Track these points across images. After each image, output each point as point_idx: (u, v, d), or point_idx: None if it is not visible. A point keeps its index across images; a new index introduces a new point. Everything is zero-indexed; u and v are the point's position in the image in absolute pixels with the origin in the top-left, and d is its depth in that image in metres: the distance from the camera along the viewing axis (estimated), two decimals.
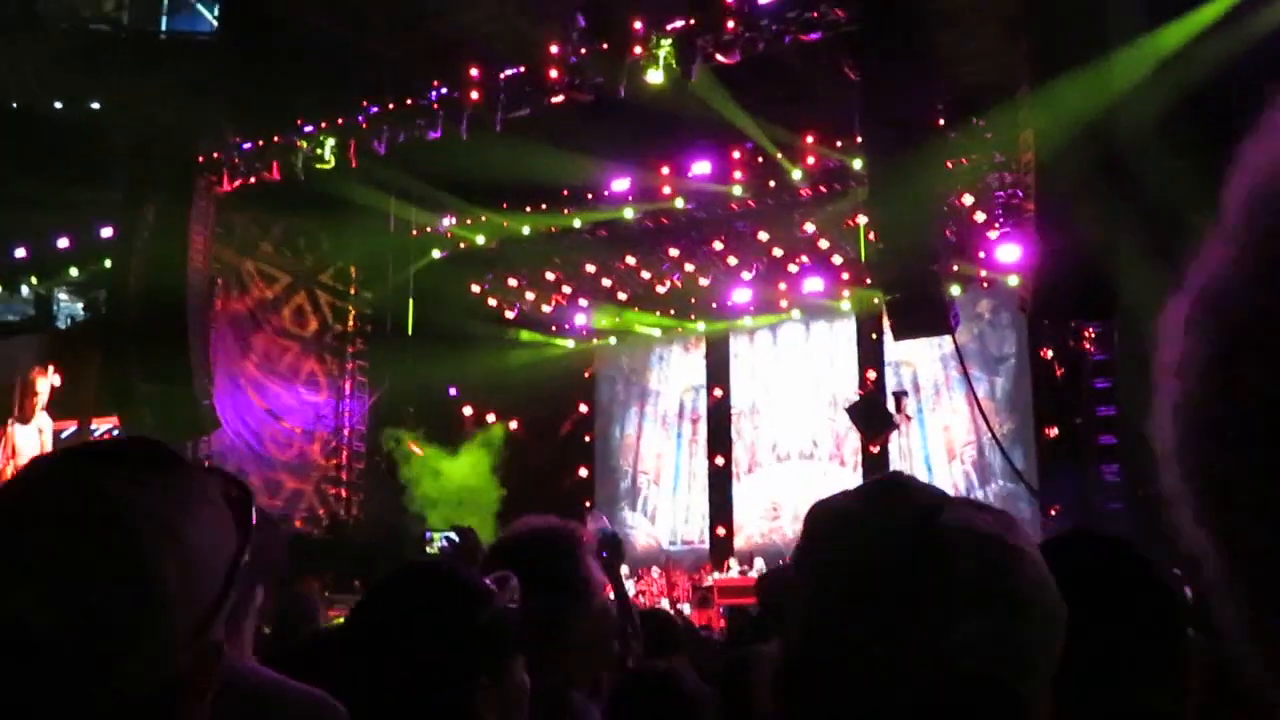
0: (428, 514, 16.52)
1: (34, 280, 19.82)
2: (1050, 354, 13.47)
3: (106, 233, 16.78)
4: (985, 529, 1.10)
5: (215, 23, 16.49)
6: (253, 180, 15.44)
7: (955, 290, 12.55)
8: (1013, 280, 14.88)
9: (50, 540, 1.03)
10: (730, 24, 12.70)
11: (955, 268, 13.04)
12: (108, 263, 16.74)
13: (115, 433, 16.56)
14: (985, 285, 15.51)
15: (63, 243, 18.36)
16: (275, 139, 15.10)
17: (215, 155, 15.35)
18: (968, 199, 13.75)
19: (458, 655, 1.78)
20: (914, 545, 1.08)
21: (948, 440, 16.69)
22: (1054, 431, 14.05)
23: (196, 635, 1.07)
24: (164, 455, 1.16)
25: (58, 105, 18.77)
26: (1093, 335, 12.51)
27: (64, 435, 18.57)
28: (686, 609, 15.04)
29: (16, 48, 17.52)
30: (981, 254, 14.36)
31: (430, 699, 1.77)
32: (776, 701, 1.14)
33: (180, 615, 1.05)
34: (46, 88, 18.55)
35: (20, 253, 18.94)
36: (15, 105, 18.50)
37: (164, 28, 19.23)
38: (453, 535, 3.94)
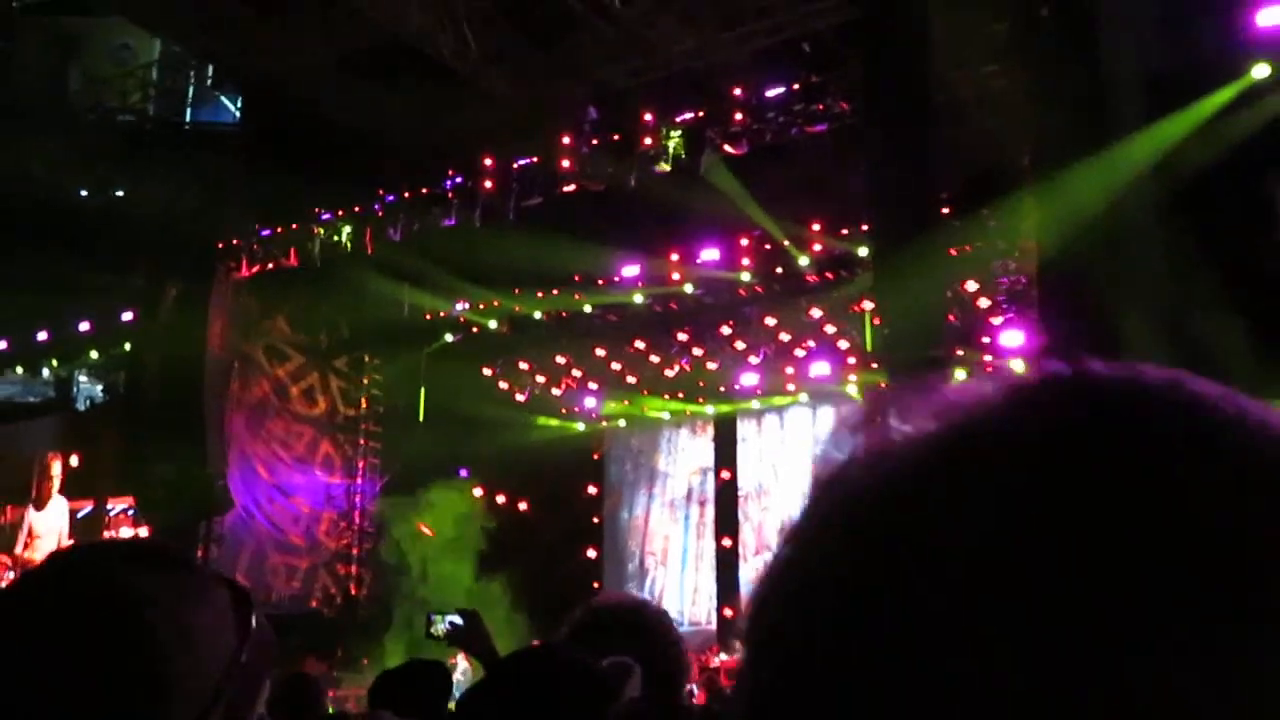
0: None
1: (54, 363, 19.89)
2: None
3: (127, 316, 16.88)
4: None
5: (238, 114, 16.78)
6: (271, 266, 15.54)
7: (960, 374, 12.52)
8: (1017, 365, 14.88)
9: (70, 628, 1.04)
10: (738, 116, 12.86)
11: (960, 352, 13.00)
12: (127, 346, 16.83)
13: (130, 512, 16.50)
14: (989, 370, 15.48)
15: (83, 326, 18.44)
16: (294, 226, 15.23)
17: (235, 241, 15.49)
18: (972, 285, 13.77)
19: None
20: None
21: None
22: None
23: (203, 707, 1.08)
24: (176, 557, 1.20)
25: (83, 193, 18.98)
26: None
27: (80, 515, 18.47)
28: (694, 689, 14.82)
29: (46, 137, 17.76)
30: (986, 339, 14.33)
31: None
32: None
33: (184, 705, 1.06)
34: (73, 175, 18.76)
35: (42, 336, 19.01)
36: (40, 195, 18.72)
37: (189, 119, 19.57)
38: (455, 619, 3.89)
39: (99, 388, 19.97)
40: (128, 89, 19.65)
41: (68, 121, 19.08)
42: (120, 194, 18.43)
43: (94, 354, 18.91)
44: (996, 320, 14.08)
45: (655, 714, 2.02)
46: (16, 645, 1.05)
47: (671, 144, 13.12)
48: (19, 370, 20.11)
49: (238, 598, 1.20)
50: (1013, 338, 13.68)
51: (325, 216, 14.99)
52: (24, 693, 1.02)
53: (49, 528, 15.55)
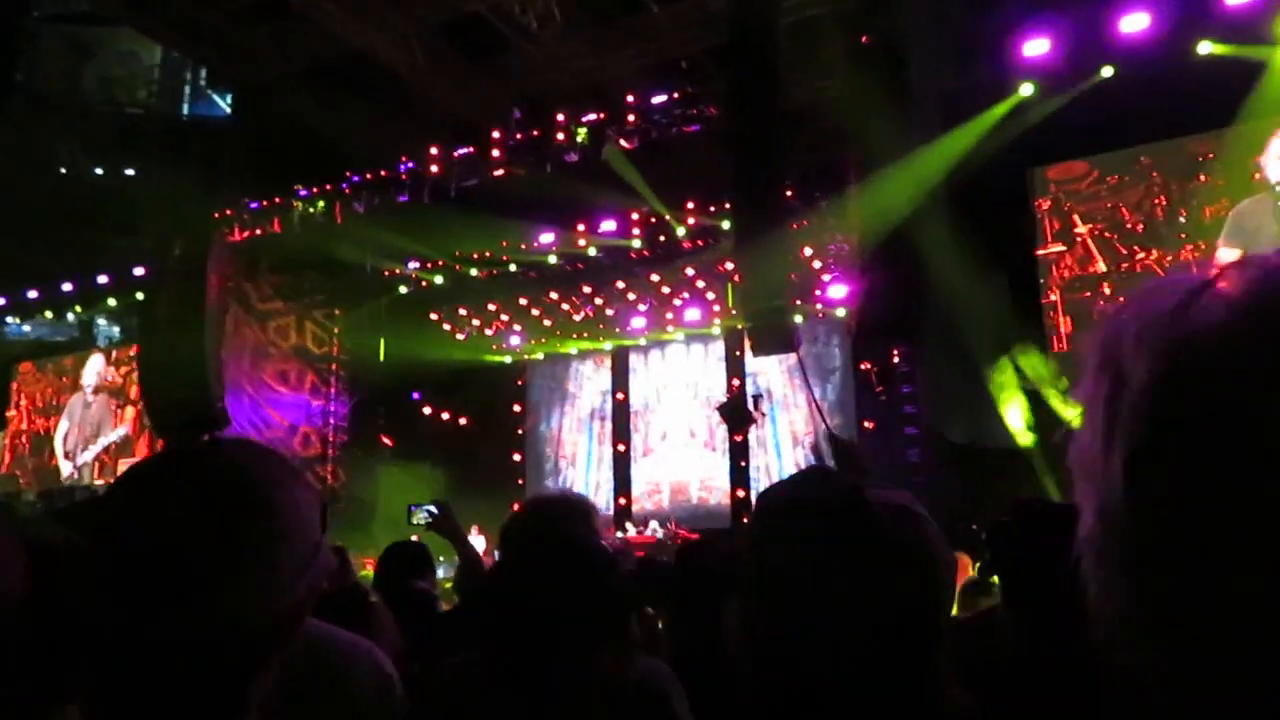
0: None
1: (78, 309, 19.26)
2: (868, 366, 13.90)
3: (138, 271, 16.42)
4: (899, 501, 1.09)
5: (228, 109, 16.30)
6: (259, 232, 15.24)
7: (799, 319, 12.90)
8: (840, 312, 15.34)
9: (193, 486, 0.96)
10: (631, 117, 12.96)
11: (798, 302, 13.38)
12: (139, 295, 16.38)
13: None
14: (820, 316, 15.91)
15: (102, 279, 17.90)
16: (276, 200, 14.95)
17: (228, 212, 15.14)
18: (808, 251, 14.13)
19: (591, 615, 1.65)
20: (851, 517, 1.05)
21: (792, 432, 17.05)
22: (871, 425, 14.48)
23: (299, 580, 0.99)
24: (270, 449, 1.11)
25: (98, 171, 18.30)
26: (900, 352, 12.95)
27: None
28: None
29: (65, 127, 17.06)
30: (818, 292, 14.72)
31: (562, 650, 1.63)
32: (743, 651, 1.08)
33: (290, 558, 0.98)
34: (89, 157, 18.07)
35: (67, 286, 18.40)
36: (63, 170, 18.00)
37: (186, 112, 18.89)
38: (432, 509, 3.87)
39: (116, 329, 19.41)
40: (134, 87, 18.95)
41: (83, 114, 18.31)
42: (130, 173, 17.83)
43: (111, 301, 18.37)
44: (826, 277, 14.50)
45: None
46: (163, 510, 0.94)
47: (579, 139, 13.17)
48: (48, 314, 19.43)
49: (318, 494, 1.10)
50: (838, 290, 14.10)
51: (303, 193, 14.74)
52: (174, 552, 0.92)
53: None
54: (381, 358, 17.27)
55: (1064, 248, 12.07)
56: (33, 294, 18.85)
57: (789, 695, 1.05)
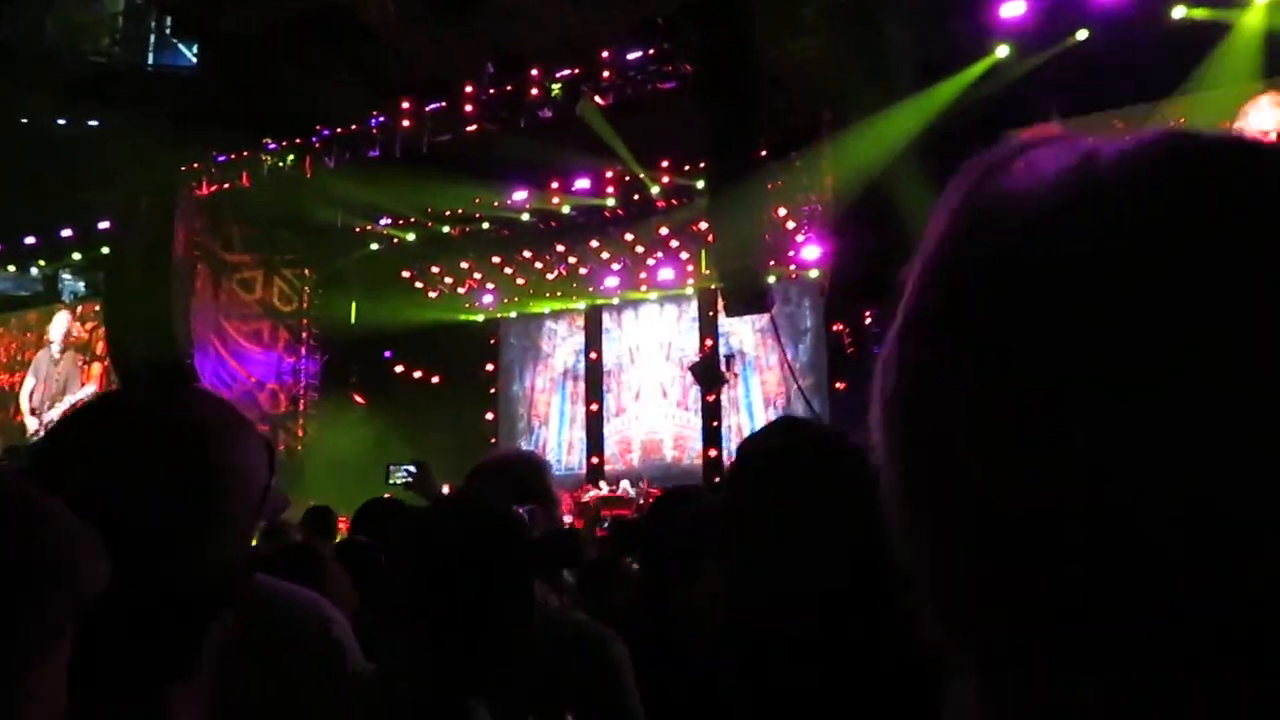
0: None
1: (42, 263, 18.93)
2: (840, 328, 13.97)
3: (104, 225, 16.13)
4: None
5: (194, 59, 15.93)
6: (227, 186, 14.99)
7: (772, 280, 12.91)
8: (813, 273, 15.38)
9: (127, 438, 0.94)
10: (605, 73, 12.80)
11: (772, 263, 13.38)
12: (105, 250, 16.11)
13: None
14: (793, 277, 15.95)
15: (66, 232, 17.57)
16: (245, 154, 14.69)
17: (195, 165, 14.88)
18: (782, 211, 14.12)
19: (495, 578, 1.65)
20: (832, 459, 1.04)
21: (764, 391, 17.14)
22: (843, 385, 14.58)
23: (241, 535, 1.00)
24: (216, 396, 1.10)
25: (61, 122, 17.86)
26: (872, 314, 13.02)
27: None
28: (568, 519, 15.20)
29: (27, 76, 16.62)
30: (791, 253, 14.75)
31: (468, 612, 1.63)
32: (722, 601, 1.10)
33: (231, 512, 0.97)
34: (53, 107, 17.63)
35: (30, 240, 18.05)
36: (25, 121, 17.56)
37: (150, 62, 18.43)
38: (410, 468, 3.89)
39: (81, 284, 19.10)
40: (98, 34, 18.47)
41: (46, 63, 17.83)
42: (94, 124, 17.43)
43: (76, 256, 18.05)
44: (800, 238, 14.51)
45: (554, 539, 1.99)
46: (78, 469, 0.92)
47: (553, 95, 13.01)
48: (11, 269, 19.08)
49: (266, 441, 1.09)
50: (811, 251, 14.13)
51: (271, 146, 14.48)
52: (116, 500, 0.89)
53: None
54: (353, 320, 17.14)
55: None
56: None
57: (768, 641, 1.04)
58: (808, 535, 1.03)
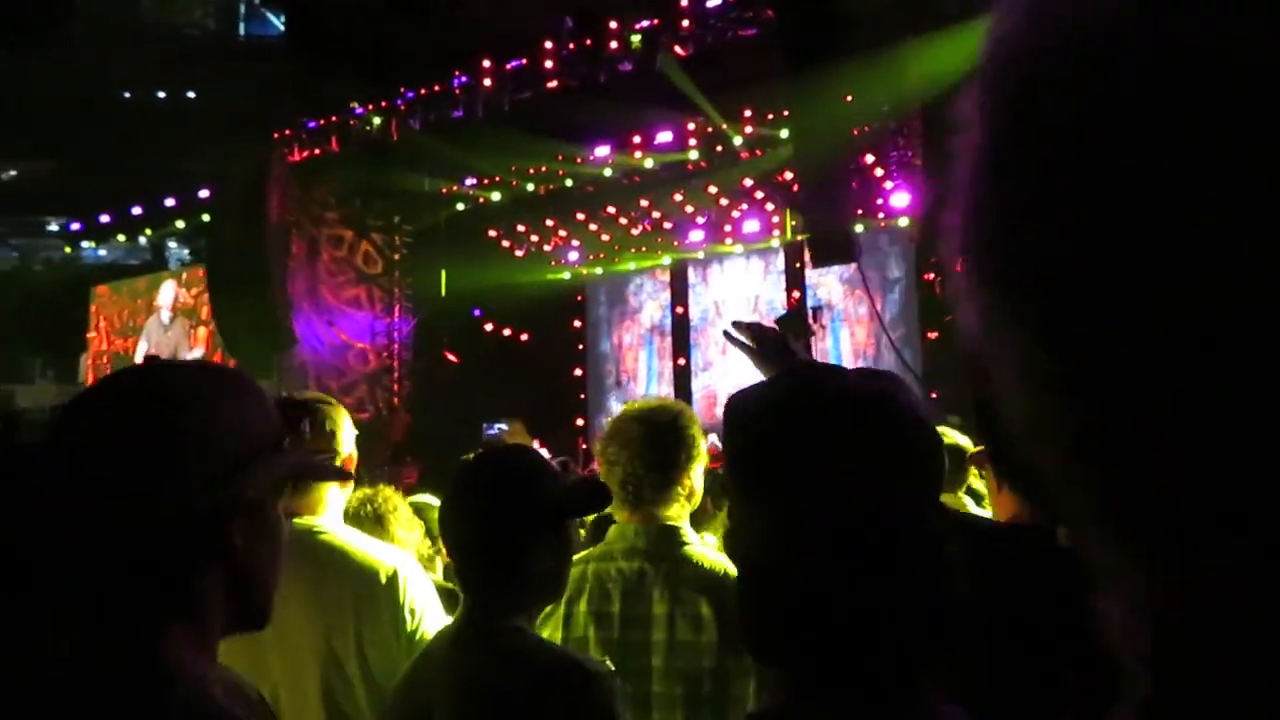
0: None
1: (148, 231, 19.61)
2: (932, 277, 13.56)
3: (203, 193, 16.59)
4: (875, 386, 1.04)
5: (282, 28, 16.18)
6: (318, 152, 15.23)
7: (860, 229, 12.58)
8: (903, 221, 14.94)
9: (103, 403, 1.06)
10: (685, 23, 12.54)
11: (860, 212, 13.04)
12: (206, 217, 16.58)
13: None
14: (882, 225, 15.54)
15: (169, 202, 18.14)
16: (333, 119, 14.88)
17: (287, 132, 15.13)
18: (869, 158, 13.69)
19: (533, 516, 1.84)
20: (870, 407, 1.00)
21: (854, 344, 16.83)
22: (934, 335, 14.19)
23: (218, 487, 1.05)
24: (228, 370, 1.17)
25: (161, 94, 18.39)
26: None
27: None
28: None
29: (125, 50, 17.10)
30: (880, 201, 14.34)
31: (501, 548, 1.84)
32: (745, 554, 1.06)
33: (199, 464, 1.04)
34: (151, 80, 18.15)
35: (136, 210, 18.71)
36: (127, 95, 18.13)
37: (241, 32, 18.81)
38: (502, 425, 3.91)
39: (186, 251, 19.75)
40: (191, 7, 18.90)
41: (142, 37, 18.32)
42: (191, 95, 17.90)
43: (180, 224, 18.63)
44: (888, 185, 14.08)
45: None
46: (61, 435, 1.05)
47: (632, 47, 12.81)
48: (121, 238, 19.81)
49: (289, 405, 1.18)
50: (900, 198, 13.71)
51: (358, 110, 14.63)
52: (68, 469, 1.02)
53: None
54: (444, 292, 17.32)
55: None
56: (105, 218, 19.21)
57: (774, 609, 1.02)
58: (840, 492, 1.00)
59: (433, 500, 4.40)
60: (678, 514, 2.61)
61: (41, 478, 1.02)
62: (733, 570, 2.38)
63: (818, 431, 1.00)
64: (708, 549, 2.62)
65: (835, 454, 0.98)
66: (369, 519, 2.83)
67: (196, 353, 19.16)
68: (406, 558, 2.41)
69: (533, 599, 1.89)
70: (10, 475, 1.27)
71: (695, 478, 2.63)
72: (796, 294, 16.98)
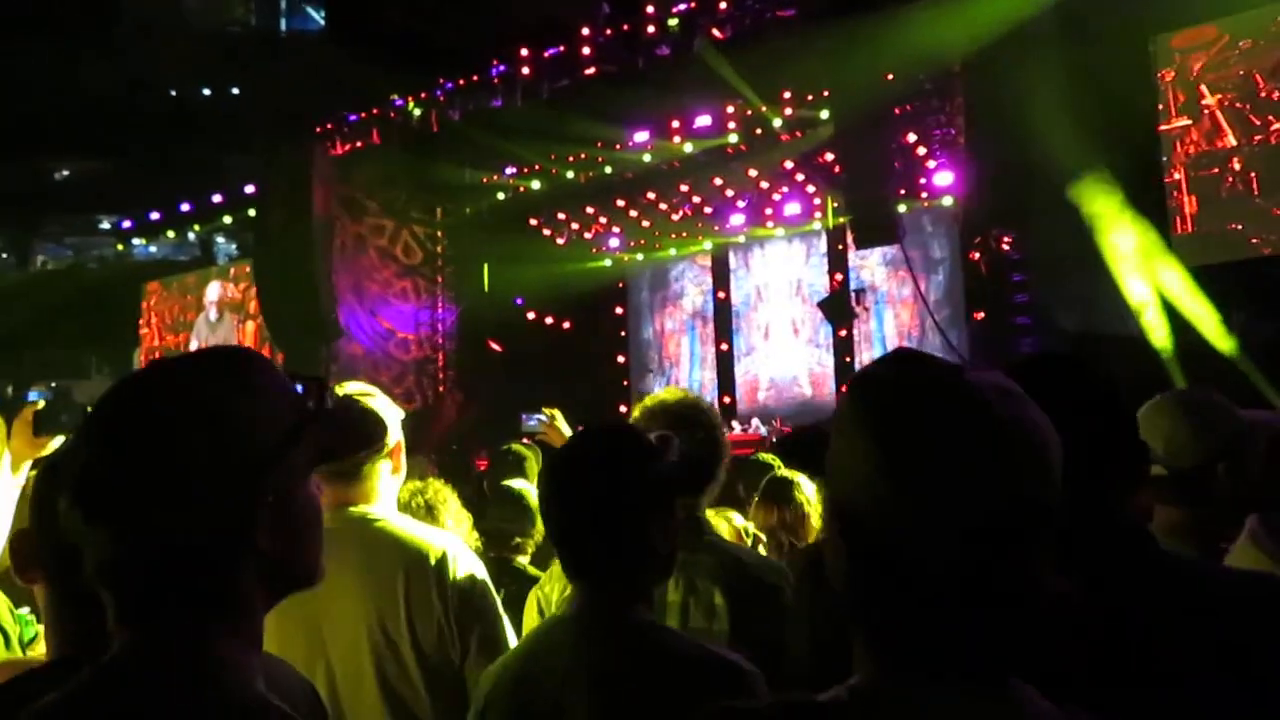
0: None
1: (197, 228, 19.89)
2: (977, 256, 13.35)
3: (249, 189, 16.78)
4: (998, 381, 1.03)
5: (322, 22, 16.29)
6: (359, 144, 15.34)
7: (902, 209, 12.42)
8: (947, 200, 14.72)
9: (124, 408, 1.04)
10: (722, 5, 12.44)
11: (902, 191, 12.86)
12: (251, 212, 16.77)
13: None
14: (925, 205, 15.34)
15: (216, 198, 18.38)
16: (374, 111, 14.97)
17: (329, 126, 15.24)
18: (911, 137, 13.51)
19: (650, 494, 1.76)
20: (950, 398, 1.00)
21: (898, 325, 16.67)
22: (980, 315, 13.99)
23: (238, 486, 1.03)
24: (245, 357, 1.13)
25: (206, 92, 18.63)
26: (1009, 240, 12.38)
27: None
28: None
29: (170, 48, 17.33)
30: (922, 180, 14.15)
31: (618, 529, 1.74)
32: (838, 546, 1.05)
33: (229, 463, 1.03)
34: (196, 78, 18.39)
35: (185, 207, 18.98)
36: (174, 93, 18.38)
37: (283, 27, 18.97)
38: (542, 417, 3.91)
39: (234, 246, 20.01)
40: (233, 4, 19.10)
41: (186, 36, 18.56)
42: (235, 91, 18.11)
43: (227, 219, 18.89)
44: (931, 164, 13.89)
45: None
46: (89, 441, 1.03)
47: (670, 31, 12.73)
48: (170, 235, 20.13)
49: (312, 386, 1.14)
50: (943, 178, 13.52)
51: (398, 102, 14.70)
52: (99, 475, 1.00)
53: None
54: (486, 286, 17.38)
55: (1189, 121, 11.22)
56: (155, 216, 19.52)
57: (887, 587, 1.02)
58: (928, 481, 0.98)
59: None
60: (702, 505, 2.60)
61: (71, 483, 1.01)
62: (748, 560, 2.44)
63: (966, 417, 0.99)
64: (725, 540, 2.61)
65: (984, 441, 0.97)
66: (419, 510, 2.85)
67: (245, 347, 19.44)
68: (457, 540, 2.41)
69: (651, 582, 1.81)
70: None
71: (721, 469, 2.59)
72: (839, 276, 16.83)
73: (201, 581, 1.04)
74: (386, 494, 2.43)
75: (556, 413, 4.29)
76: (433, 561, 2.27)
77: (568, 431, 4.26)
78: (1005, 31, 9.28)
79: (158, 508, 1.00)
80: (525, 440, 4.95)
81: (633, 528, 1.74)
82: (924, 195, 14.85)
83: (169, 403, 1.03)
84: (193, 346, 20.13)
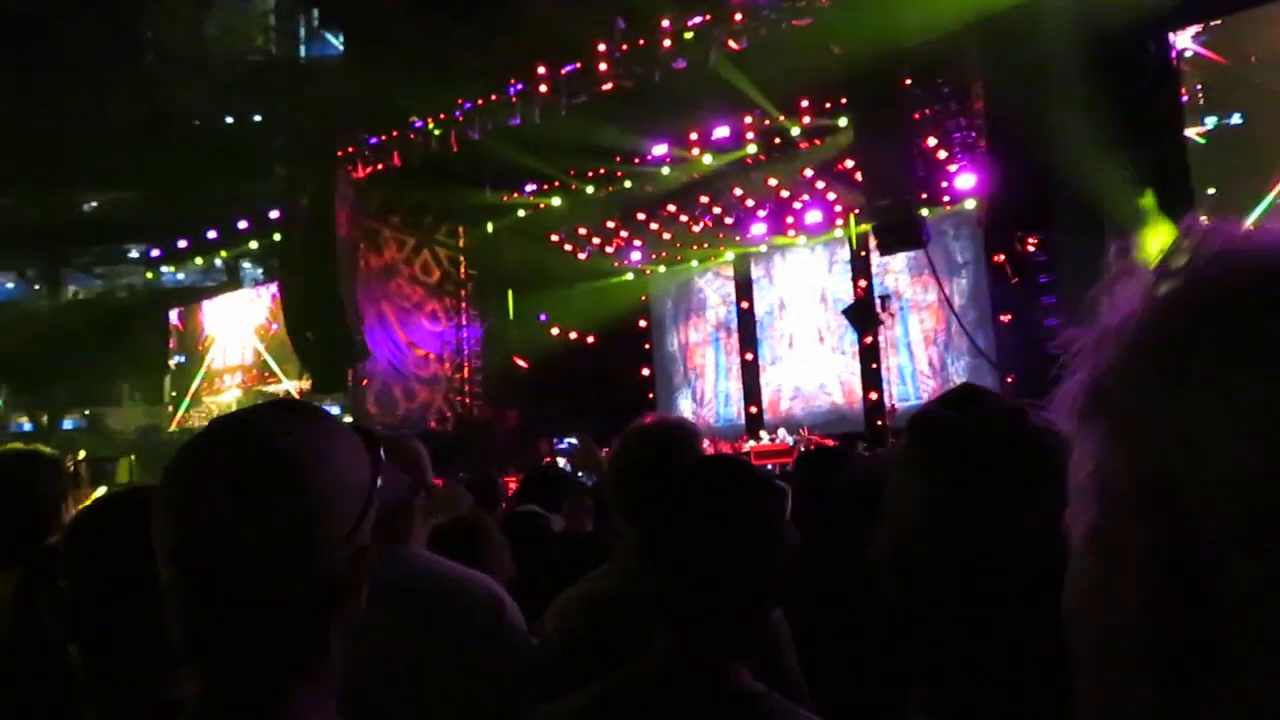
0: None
1: (223, 254, 20.11)
2: (1001, 258, 13.22)
3: (274, 214, 16.94)
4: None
5: (341, 47, 16.44)
6: (380, 167, 15.44)
7: (925, 213, 12.32)
8: (969, 204, 14.61)
9: (226, 470, 1.01)
10: (738, 16, 12.42)
11: (924, 196, 12.77)
12: (277, 236, 16.93)
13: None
14: (948, 208, 15.23)
15: (242, 224, 18.57)
16: (394, 133, 15.06)
17: (350, 149, 15.36)
18: (932, 141, 13.42)
19: (760, 532, 1.58)
20: (1013, 440, 0.98)
21: (923, 330, 16.55)
22: (1007, 318, 13.84)
23: (347, 538, 1.04)
24: (313, 409, 1.15)
25: (228, 120, 18.85)
26: (1034, 241, 12.25)
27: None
28: None
29: (193, 78, 17.55)
30: (944, 184, 14.05)
31: (740, 566, 1.55)
32: (894, 584, 1.02)
33: (331, 522, 1.03)
34: (218, 107, 18.61)
35: (211, 234, 19.19)
36: (197, 122, 18.61)
37: (303, 54, 19.17)
38: (573, 440, 3.89)
39: (260, 271, 20.20)
40: (252, 33, 19.33)
41: (208, 65, 18.79)
42: (257, 119, 18.30)
43: (253, 245, 19.06)
44: (953, 168, 13.79)
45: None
46: (188, 502, 1.01)
47: (686, 44, 12.74)
48: (198, 261, 20.36)
49: (368, 438, 1.13)
50: (965, 181, 13.41)
51: (418, 124, 14.78)
52: (214, 534, 0.99)
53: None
54: (511, 314, 17.43)
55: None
56: (182, 243, 19.76)
57: (944, 630, 1.00)
58: (987, 529, 0.97)
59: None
60: None
61: (182, 534, 1.01)
62: None
63: (1027, 464, 0.96)
64: None
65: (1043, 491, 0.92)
66: (458, 543, 2.81)
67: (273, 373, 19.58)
68: (494, 584, 2.38)
69: (756, 639, 1.59)
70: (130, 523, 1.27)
71: None
72: (863, 283, 16.74)
73: (299, 639, 1.04)
74: (419, 533, 2.43)
75: (588, 436, 4.26)
76: (471, 604, 2.25)
77: (601, 457, 4.22)
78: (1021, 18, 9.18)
79: (271, 571, 1.00)
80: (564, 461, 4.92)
81: (757, 582, 1.56)
82: (946, 199, 14.74)
83: (289, 453, 1.03)
84: (222, 367, 20.29)
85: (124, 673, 1.33)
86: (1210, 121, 11.10)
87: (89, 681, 1.39)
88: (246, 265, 20.50)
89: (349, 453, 1.09)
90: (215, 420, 1.12)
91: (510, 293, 17.84)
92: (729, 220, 17.18)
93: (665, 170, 15.72)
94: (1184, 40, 11.13)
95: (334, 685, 1.09)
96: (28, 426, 23.03)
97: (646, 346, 19.10)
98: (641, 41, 12.93)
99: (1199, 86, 11.13)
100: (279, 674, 1.04)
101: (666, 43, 12.74)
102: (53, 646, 1.46)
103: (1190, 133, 11.08)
